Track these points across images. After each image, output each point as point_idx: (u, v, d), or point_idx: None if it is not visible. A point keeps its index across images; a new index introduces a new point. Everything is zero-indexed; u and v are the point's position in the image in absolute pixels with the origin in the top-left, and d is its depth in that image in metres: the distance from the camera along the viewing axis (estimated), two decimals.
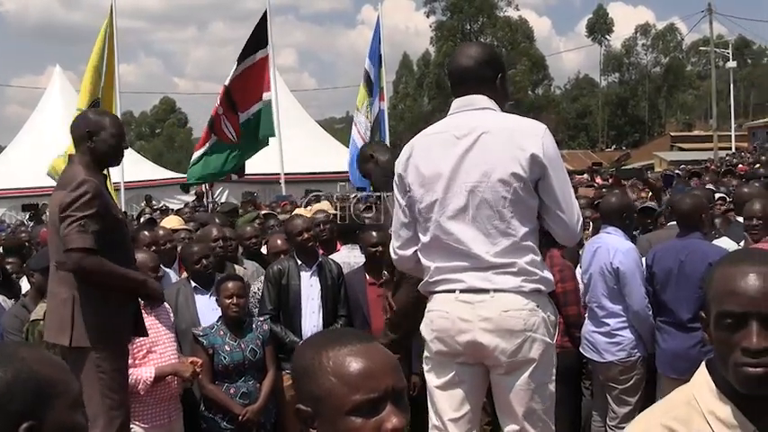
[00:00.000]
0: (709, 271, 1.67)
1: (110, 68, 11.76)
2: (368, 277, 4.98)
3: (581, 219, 3.13)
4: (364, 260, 5.07)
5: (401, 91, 68.73)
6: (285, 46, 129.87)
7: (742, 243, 4.90)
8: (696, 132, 58.79)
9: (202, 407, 4.51)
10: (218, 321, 4.53)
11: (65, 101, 24.49)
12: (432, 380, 3.14)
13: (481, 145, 2.97)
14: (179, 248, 5.76)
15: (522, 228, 2.96)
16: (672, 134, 57.18)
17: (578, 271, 5.01)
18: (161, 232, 5.95)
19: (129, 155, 18.17)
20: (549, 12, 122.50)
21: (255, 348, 4.52)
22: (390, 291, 4.07)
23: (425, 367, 3.20)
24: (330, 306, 4.85)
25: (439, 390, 3.11)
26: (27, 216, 17.76)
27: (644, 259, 4.74)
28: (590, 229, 6.16)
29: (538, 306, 2.97)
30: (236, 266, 5.51)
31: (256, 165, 13.90)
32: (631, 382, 4.65)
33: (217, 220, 7.30)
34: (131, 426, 3.83)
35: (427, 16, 69.73)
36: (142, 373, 4.06)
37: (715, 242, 5.04)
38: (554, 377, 3.10)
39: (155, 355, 4.17)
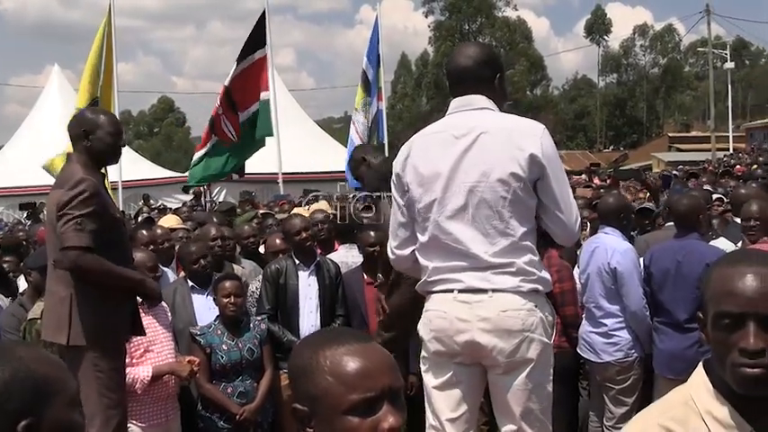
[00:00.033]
0: (707, 271, 1.67)
1: (108, 67, 11.78)
2: (366, 277, 4.98)
3: (579, 219, 3.13)
4: (362, 260, 5.07)
5: (399, 91, 68.74)
6: (283, 45, 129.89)
7: (739, 244, 4.91)
8: (694, 133, 58.78)
9: (199, 406, 4.51)
10: (215, 321, 4.53)
11: (63, 100, 24.49)
12: (429, 380, 3.14)
13: (480, 145, 2.97)
14: (177, 248, 5.76)
15: (520, 228, 2.96)
16: (670, 135, 57.17)
17: (576, 271, 5.01)
18: (159, 231, 5.94)
19: (127, 154, 18.20)
20: (548, 12, 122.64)
21: (253, 348, 4.52)
22: (384, 293, 4.08)
23: (423, 367, 3.19)
24: (328, 306, 4.86)
25: (436, 390, 3.11)
26: (24, 215, 17.73)
27: (641, 260, 4.75)
28: (588, 230, 6.16)
29: (536, 306, 2.97)
30: (234, 266, 5.51)
31: (254, 164, 13.91)
32: (628, 382, 4.65)
33: (215, 220, 7.31)
34: (128, 425, 3.83)
35: (426, 16, 69.93)
36: (139, 372, 4.06)
37: (712, 243, 5.05)
38: (551, 377, 3.10)
39: (152, 354, 4.17)
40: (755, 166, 17.06)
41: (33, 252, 6.49)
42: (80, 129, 3.63)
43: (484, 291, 2.94)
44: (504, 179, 2.92)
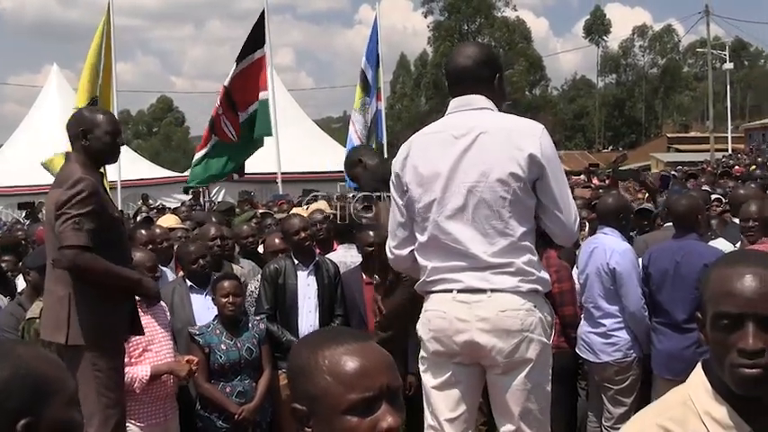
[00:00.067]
0: (706, 272, 1.67)
1: (107, 67, 11.78)
2: (364, 277, 4.97)
3: (578, 219, 3.14)
4: (361, 260, 5.07)
5: (398, 91, 68.80)
6: (282, 45, 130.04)
7: (738, 244, 4.91)
8: (693, 134, 58.86)
9: (198, 406, 4.50)
10: (214, 320, 4.53)
11: (62, 99, 24.50)
12: (428, 380, 3.14)
13: (479, 145, 2.97)
14: (175, 247, 5.75)
15: (519, 228, 2.96)
16: (668, 135, 57.23)
17: (575, 271, 5.01)
18: (158, 231, 5.94)
19: (126, 153, 18.19)
20: (547, 12, 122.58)
21: (252, 347, 4.51)
22: (381, 294, 4.07)
23: (422, 367, 3.19)
24: (327, 305, 4.86)
25: (435, 390, 3.11)
26: (23, 214, 17.73)
27: (640, 260, 4.75)
28: (586, 230, 6.16)
29: (535, 306, 2.97)
30: (232, 265, 5.51)
31: (253, 164, 13.92)
32: (627, 382, 4.65)
33: (213, 219, 7.30)
34: (127, 424, 3.83)
35: (425, 16, 69.97)
36: (138, 371, 4.06)
37: (711, 243, 5.05)
38: (550, 377, 3.10)
39: (151, 353, 4.17)
40: (754, 167, 17.09)
41: (32, 251, 6.48)
42: (78, 128, 3.63)
43: (483, 291, 2.94)
44: (503, 179, 2.92)
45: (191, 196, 16.41)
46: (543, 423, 3.06)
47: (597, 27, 73.10)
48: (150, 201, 19.49)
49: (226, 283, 4.48)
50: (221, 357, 4.41)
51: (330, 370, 1.45)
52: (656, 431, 1.61)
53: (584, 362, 4.89)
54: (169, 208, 15.83)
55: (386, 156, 16.03)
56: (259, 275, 5.09)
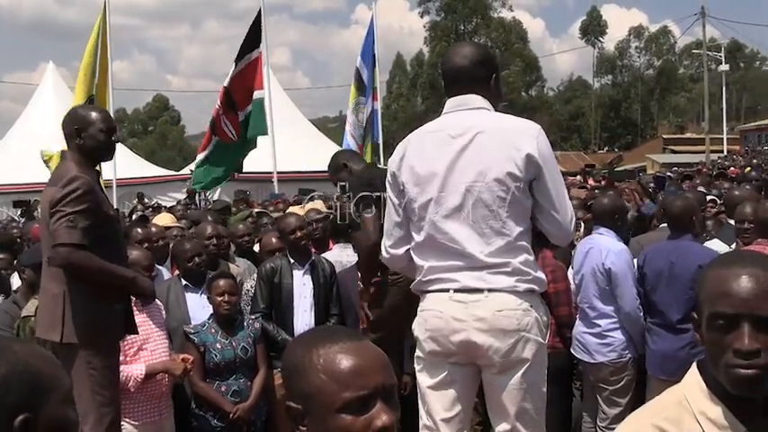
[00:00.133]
0: (702, 273, 1.68)
1: (103, 65, 11.74)
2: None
3: (574, 219, 3.14)
4: (356, 259, 5.06)
5: (395, 91, 68.83)
6: (279, 45, 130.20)
7: (733, 245, 4.92)
8: (688, 135, 59.01)
9: (193, 404, 4.50)
10: (209, 319, 4.52)
11: (57, 97, 24.45)
12: (424, 380, 3.14)
13: (476, 144, 2.97)
14: (171, 246, 5.74)
15: (516, 228, 2.96)
16: (664, 137, 57.41)
17: (570, 272, 5.01)
18: (153, 229, 5.93)
19: (122, 152, 18.17)
20: (543, 13, 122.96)
21: (247, 346, 4.51)
22: (366, 300, 4.07)
23: (417, 367, 3.19)
24: (322, 304, 4.85)
25: (431, 389, 3.11)
26: (18, 212, 17.67)
27: (635, 260, 4.75)
28: (582, 230, 6.17)
29: (531, 306, 2.98)
30: (228, 264, 5.50)
31: (249, 163, 13.91)
32: (622, 383, 4.66)
33: (209, 218, 7.29)
34: (122, 423, 3.82)
35: (421, 16, 69.90)
36: (133, 370, 4.05)
37: (706, 244, 5.06)
38: (546, 377, 3.10)
39: (146, 352, 4.15)
40: (749, 169, 17.12)
41: (27, 249, 6.47)
42: (72, 126, 3.63)
43: (480, 290, 2.94)
44: (500, 179, 2.92)
45: (186, 195, 16.41)
46: (539, 423, 3.07)
47: (593, 28, 73.18)
48: (146, 199, 19.43)
49: (221, 282, 4.47)
50: (216, 356, 4.40)
51: (325, 368, 1.45)
52: (652, 431, 1.61)
53: (579, 362, 4.89)
54: (165, 206, 15.81)
55: (382, 156, 16.06)
56: (255, 274, 5.09)
